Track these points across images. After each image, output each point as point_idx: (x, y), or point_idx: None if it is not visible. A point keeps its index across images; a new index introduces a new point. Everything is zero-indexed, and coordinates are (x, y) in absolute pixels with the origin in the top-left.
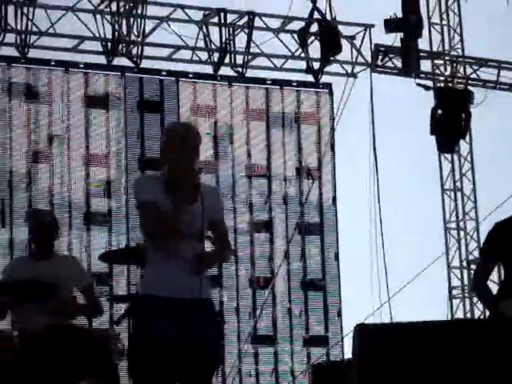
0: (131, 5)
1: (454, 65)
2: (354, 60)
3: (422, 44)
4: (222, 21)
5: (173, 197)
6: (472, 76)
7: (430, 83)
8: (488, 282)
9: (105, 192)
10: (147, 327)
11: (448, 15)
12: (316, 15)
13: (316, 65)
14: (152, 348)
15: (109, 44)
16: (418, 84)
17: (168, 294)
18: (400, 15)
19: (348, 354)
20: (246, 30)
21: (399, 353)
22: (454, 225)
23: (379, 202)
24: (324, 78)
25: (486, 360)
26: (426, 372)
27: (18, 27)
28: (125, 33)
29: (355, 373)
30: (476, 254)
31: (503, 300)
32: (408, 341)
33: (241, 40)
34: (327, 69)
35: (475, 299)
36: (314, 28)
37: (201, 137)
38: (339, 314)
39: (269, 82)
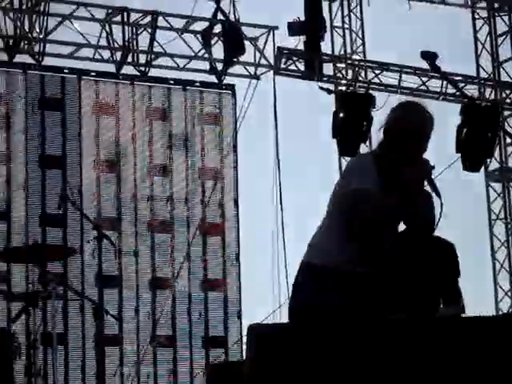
0: (34, 2)
1: (356, 69)
2: (257, 62)
3: (324, 47)
4: (125, 19)
5: (394, 189)
6: (374, 80)
7: (332, 87)
8: None
9: (4, 189)
10: None
11: (350, 19)
12: (220, 16)
13: (219, 66)
14: None
15: (10, 41)
16: (321, 87)
17: None
18: (303, 19)
19: None
20: (150, 30)
21: (293, 353)
22: None
23: (281, 203)
24: (227, 80)
25: (376, 357)
26: (320, 372)
27: None
28: (27, 30)
29: (248, 373)
30: None
31: None
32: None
33: (144, 39)
34: (230, 70)
35: None
36: (218, 29)
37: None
38: (239, 315)
39: (171, 81)
